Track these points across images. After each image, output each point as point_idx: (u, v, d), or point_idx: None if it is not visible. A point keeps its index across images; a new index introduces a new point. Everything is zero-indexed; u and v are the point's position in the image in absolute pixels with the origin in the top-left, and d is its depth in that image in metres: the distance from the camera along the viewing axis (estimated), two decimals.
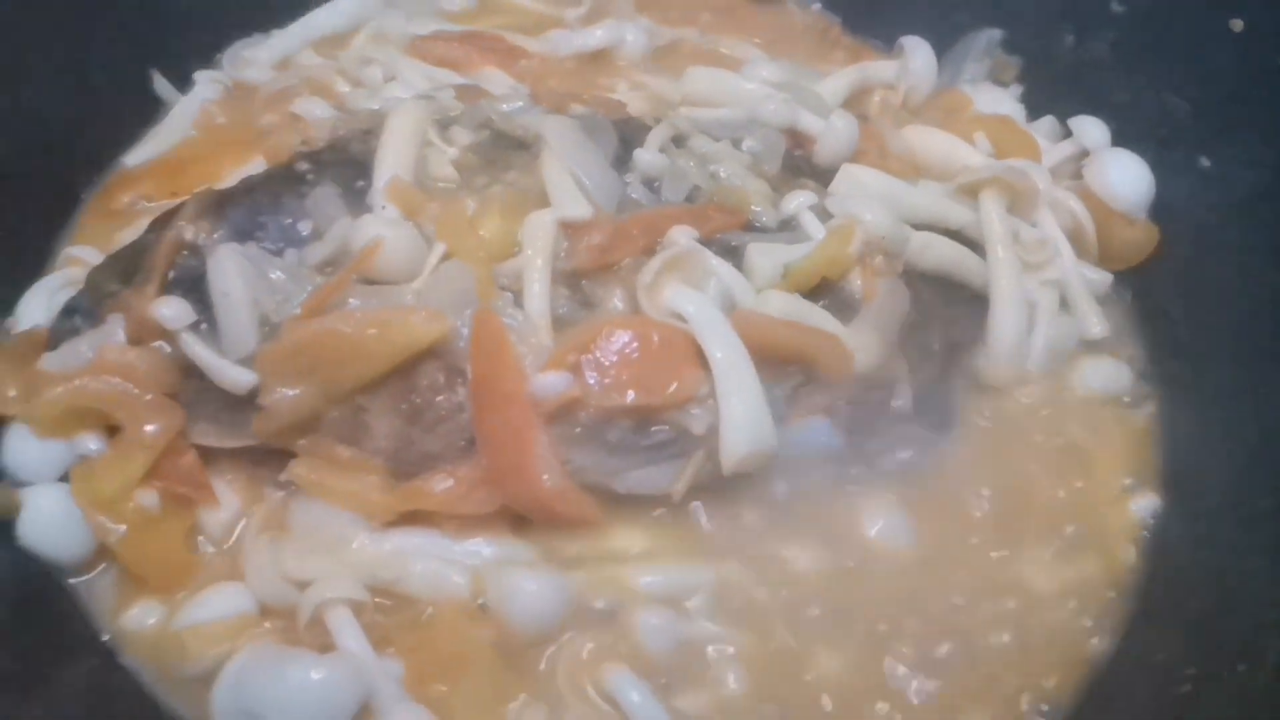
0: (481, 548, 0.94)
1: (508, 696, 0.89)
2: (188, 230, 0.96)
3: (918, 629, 0.99)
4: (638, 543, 0.99)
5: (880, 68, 1.42)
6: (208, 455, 0.96)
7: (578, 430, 0.94)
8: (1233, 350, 1.16)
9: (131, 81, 1.28)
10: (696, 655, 0.94)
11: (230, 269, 0.92)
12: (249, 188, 1.01)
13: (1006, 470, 1.11)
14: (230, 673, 0.85)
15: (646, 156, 1.11)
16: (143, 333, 0.92)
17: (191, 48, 1.34)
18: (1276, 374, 1.10)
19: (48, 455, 0.92)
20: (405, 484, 0.94)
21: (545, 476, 0.92)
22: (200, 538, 0.96)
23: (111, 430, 0.93)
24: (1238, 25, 1.18)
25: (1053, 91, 1.40)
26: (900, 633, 0.98)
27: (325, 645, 0.87)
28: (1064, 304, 1.21)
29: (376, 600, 0.91)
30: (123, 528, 0.89)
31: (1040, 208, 1.23)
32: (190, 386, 0.94)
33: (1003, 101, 1.39)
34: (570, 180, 1.04)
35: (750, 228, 1.11)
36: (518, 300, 0.97)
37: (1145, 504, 1.11)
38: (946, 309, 1.16)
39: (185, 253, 0.96)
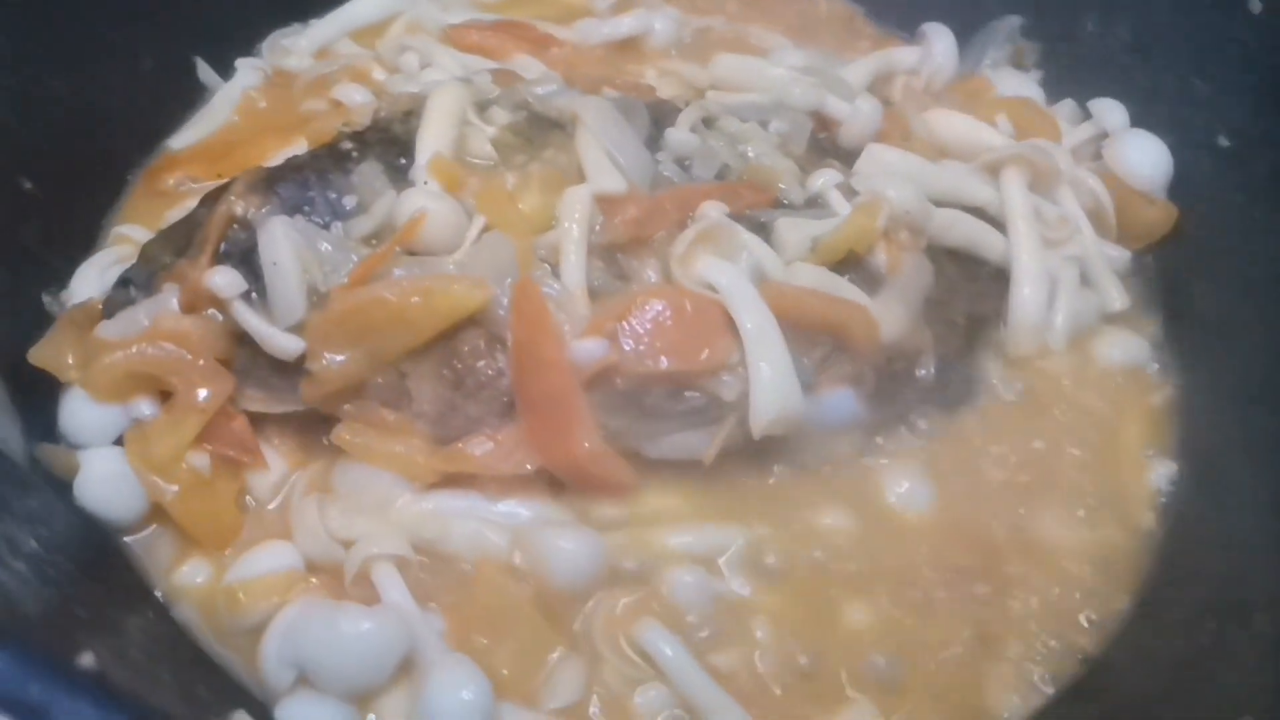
0: (519, 509, 0.98)
1: (546, 649, 0.92)
2: (238, 205, 1.00)
3: (943, 588, 1.01)
4: (670, 506, 1.02)
5: (903, 54, 1.45)
6: (256, 420, 1.00)
7: (614, 395, 0.97)
8: (1249, 324, 1.18)
9: (176, 69, 1.32)
10: (727, 612, 0.97)
11: (280, 240, 0.95)
12: (296, 166, 1.05)
13: (1028, 438, 1.14)
14: (280, 624, 0.88)
15: (678, 135, 1.15)
16: (196, 302, 0.96)
17: (233, 37, 1.38)
18: None
19: (104, 419, 0.96)
20: (447, 447, 0.97)
21: (584, 439, 0.95)
22: (249, 499, 1.00)
23: (164, 396, 0.97)
24: (1256, 6, 1.20)
25: (1072, 76, 1.43)
26: (925, 591, 1.01)
27: (370, 600, 0.90)
28: (1084, 280, 1.24)
29: (419, 558, 0.94)
30: (175, 488, 0.93)
31: (1061, 186, 1.26)
32: (241, 354, 0.97)
33: (1023, 86, 1.42)
34: (605, 157, 1.07)
35: (778, 205, 1.14)
36: (555, 272, 1.00)
37: (1164, 471, 1.13)
38: (969, 284, 1.19)
39: (235, 226, 0.99)
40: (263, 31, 1.40)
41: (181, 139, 1.29)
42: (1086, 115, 1.38)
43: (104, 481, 0.93)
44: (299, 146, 1.22)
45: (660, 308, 0.98)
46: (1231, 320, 1.21)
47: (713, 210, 1.06)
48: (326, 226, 1.00)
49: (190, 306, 0.96)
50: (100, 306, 1.01)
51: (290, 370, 0.97)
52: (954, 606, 1.01)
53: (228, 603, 0.91)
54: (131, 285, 1.00)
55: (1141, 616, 1.02)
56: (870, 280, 1.10)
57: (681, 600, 0.96)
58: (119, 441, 0.96)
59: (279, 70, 1.37)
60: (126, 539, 0.96)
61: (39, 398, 0.96)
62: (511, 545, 0.96)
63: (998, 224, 1.21)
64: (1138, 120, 1.33)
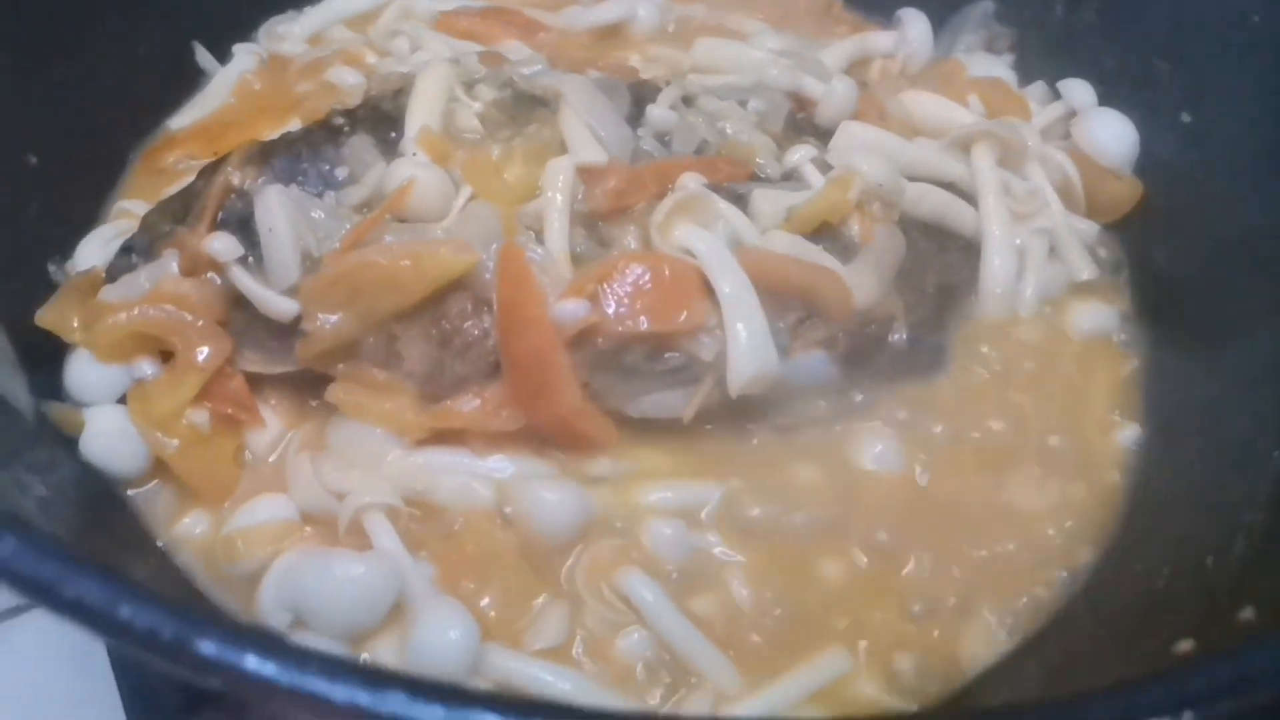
0: (505, 464, 1.02)
1: (531, 594, 0.96)
2: (235, 175, 1.04)
3: (913, 543, 1.05)
4: (651, 463, 1.06)
5: (879, 38, 1.50)
6: (253, 381, 1.04)
7: (595, 355, 1.01)
8: (1212, 293, 1.23)
9: (175, 53, 1.36)
10: (706, 562, 1.01)
11: (275, 206, 0.99)
12: (290, 140, 1.09)
13: (997, 403, 1.17)
14: (277, 570, 0.92)
15: (658, 112, 1.19)
16: (195, 266, 1.00)
17: (230, 23, 1.42)
18: (1252, 313, 1.17)
19: (107, 378, 1.00)
20: (435, 405, 1.01)
21: (566, 395, 0.99)
22: (247, 455, 1.04)
23: (165, 357, 1.01)
24: None
25: (1043, 59, 1.47)
26: (896, 546, 1.05)
27: (363, 548, 0.94)
28: (1053, 252, 1.29)
29: (409, 509, 0.98)
30: (175, 442, 0.97)
31: (1030, 162, 1.31)
32: (238, 316, 1.02)
33: (995, 68, 1.46)
34: (587, 131, 1.12)
35: (755, 178, 1.18)
36: (539, 239, 1.05)
37: (1129, 433, 1.17)
38: (940, 255, 1.23)
39: (233, 196, 1.04)
40: (259, 18, 1.45)
41: (180, 120, 1.33)
42: (1056, 97, 1.42)
43: (108, 437, 0.97)
44: (293, 126, 1.27)
45: (640, 271, 1.02)
46: (1195, 290, 1.25)
47: (691, 181, 1.11)
48: (320, 195, 1.04)
49: (190, 271, 1.00)
50: (103, 274, 1.06)
51: (285, 332, 1.01)
52: (926, 563, 1.05)
53: (226, 550, 0.95)
54: (133, 252, 1.04)
55: (1103, 568, 1.06)
56: (844, 250, 1.14)
57: (661, 551, 0.99)
58: (122, 401, 1.01)
59: (274, 55, 1.41)
60: (130, 492, 1.00)
61: (45, 358, 1.00)
62: (498, 497, 1.00)
63: (969, 199, 1.26)
64: (1105, 100, 1.38)
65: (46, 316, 1.00)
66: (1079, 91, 1.39)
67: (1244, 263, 1.20)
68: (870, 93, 1.40)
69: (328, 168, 1.07)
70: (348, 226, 1.02)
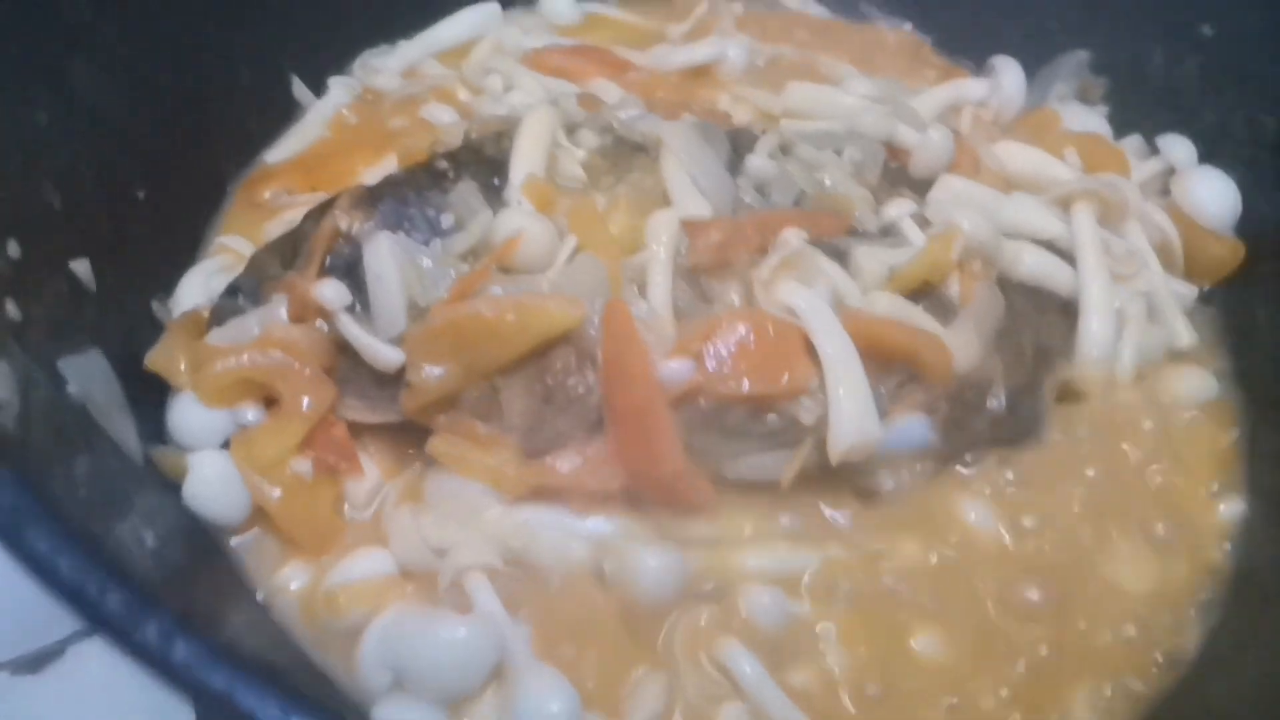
0: (603, 524, 1.01)
1: (630, 662, 0.95)
2: (342, 220, 1.04)
3: (1012, 620, 1.03)
4: (747, 527, 1.05)
5: (972, 86, 1.48)
6: (353, 429, 1.04)
7: (696, 415, 1.01)
8: None
9: (273, 85, 1.37)
10: (803, 633, 0.99)
11: (384, 255, 0.99)
12: (395, 183, 1.09)
13: (1095, 472, 1.15)
14: (378, 628, 0.92)
15: (757, 161, 1.18)
16: (303, 312, 1.00)
17: (326, 56, 1.43)
18: None
19: (212, 423, 1.00)
20: (536, 461, 1.00)
21: (669, 456, 0.98)
22: (346, 506, 1.04)
23: (269, 402, 1.02)
24: None
25: (1139, 111, 1.45)
26: (993, 624, 1.03)
27: (462, 607, 0.94)
28: (1152, 315, 1.26)
29: (508, 568, 0.98)
30: (278, 491, 0.97)
31: (1129, 221, 1.28)
32: (343, 363, 1.02)
33: (1090, 120, 1.44)
34: (689, 182, 1.11)
35: (854, 232, 1.17)
36: (642, 293, 1.04)
37: (1232, 508, 1.14)
38: (1038, 315, 1.21)
39: (340, 240, 1.04)
40: (354, 51, 1.46)
41: (277, 152, 1.34)
42: (1153, 150, 1.40)
43: (212, 482, 0.97)
44: (389, 162, 1.27)
45: (743, 330, 1.01)
46: None
47: (793, 236, 1.09)
48: (426, 243, 1.04)
49: (298, 317, 1.00)
50: (206, 314, 1.06)
51: (389, 381, 1.01)
52: (1022, 640, 1.03)
53: (326, 605, 0.94)
54: (240, 294, 1.04)
55: (1209, 658, 1.03)
56: (943, 309, 1.13)
57: (759, 619, 0.98)
58: (225, 445, 1.01)
59: (369, 88, 1.42)
60: (231, 541, 1.00)
61: (150, 401, 1.01)
62: (596, 558, 0.99)
63: (1066, 257, 1.24)
64: (1206, 157, 1.36)
65: (156, 359, 1.01)
66: (1179, 148, 1.37)
67: None
68: (964, 141, 1.38)
69: (434, 214, 1.06)
70: (453, 275, 1.02)
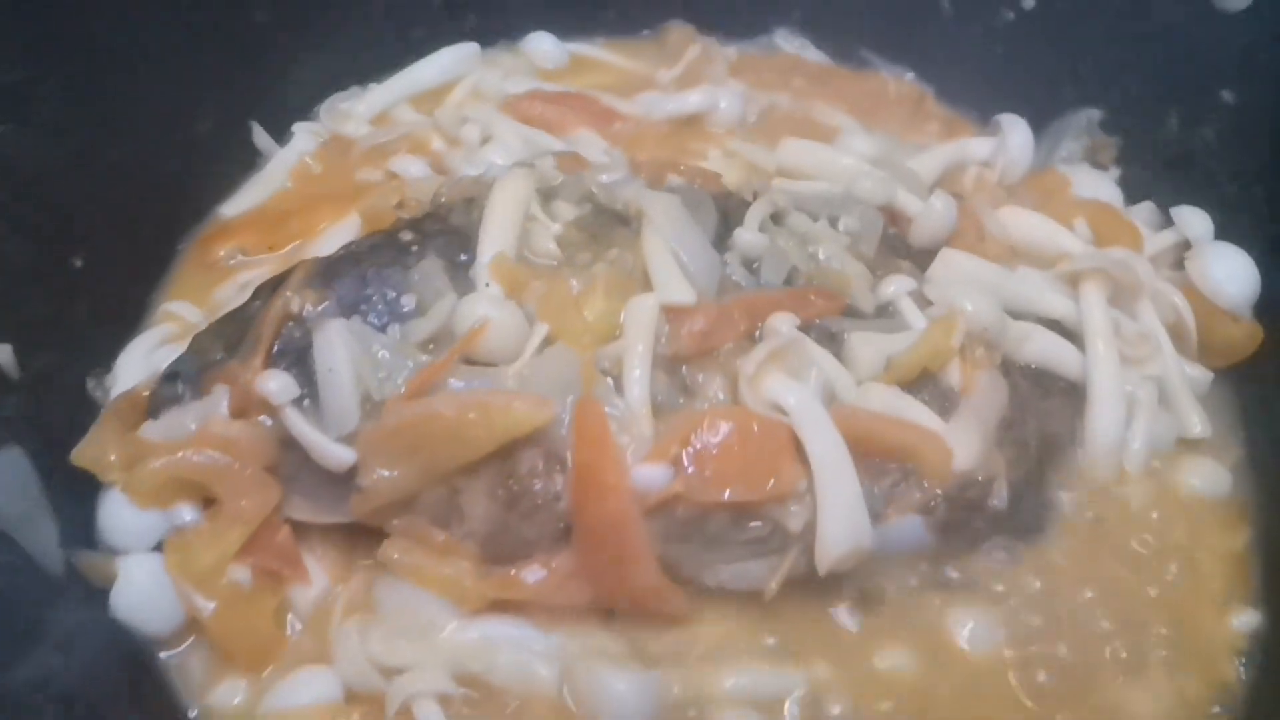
0: (569, 640, 0.93)
1: None
2: (294, 301, 0.96)
3: None
4: (727, 639, 0.98)
5: (976, 145, 1.40)
6: (300, 530, 0.96)
7: (674, 522, 0.93)
8: None
9: (231, 133, 1.29)
10: None
11: (337, 345, 0.91)
12: (355, 258, 1.01)
13: (1101, 573, 1.08)
14: None
15: (747, 236, 1.10)
16: (246, 406, 0.92)
17: (291, 100, 1.34)
18: None
19: (144, 524, 0.92)
20: (498, 572, 0.92)
21: (642, 572, 0.90)
22: (290, 615, 0.95)
23: (208, 501, 0.93)
24: None
25: (1153, 176, 1.37)
26: None
27: None
28: (1163, 401, 1.19)
29: (463, 691, 0.90)
30: (213, 604, 0.89)
31: (1141, 300, 1.21)
32: (289, 461, 0.93)
33: (1101, 184, 1.36)
34: (673, 261, 1.03)
35: (849, 313, 1.09)
36: (617, 385, 0.96)
37: (1245, 619, 1.07)
38: (1042, 401, 1.13)
39: (290, 324, 0.96)
40: (321, 94, 1.37)
41: (234, 205, 1.25)
42: (1167, 219, 1.32)
43: (141, 591, 0.90)
44: (352, 221, 1.19)
45: (727, 431, 0.93)
46: None
47: (782, 324, 1.02)
48: (384, 328, 0.96)
49: (240, 411, 0.92)
50: (145, 396, 0.98)
51: (339, 480, 0.93)
52: None
53: None
54: (179, 381, 0.96)
55: None
56: (943, 399, 1.05)
57: None
58: (159, 547, 0.92)
59: (336, 135, 1.33)
60: (162, 655, 0.92)
61: (78, 494, 0.92)
62: (561, 679, 0.91)
63: (1074, 336, 1.16)
64: (1223, 231, 1.28)
65: (84, 454, 0.92)
66: (1195, 221, 1.28)
67: None
68: (967, 206, 1.30)
69: (393, 295, 0.98)
70: (412, 367, 0.93)
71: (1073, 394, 1.15)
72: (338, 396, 0.91)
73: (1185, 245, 1.29)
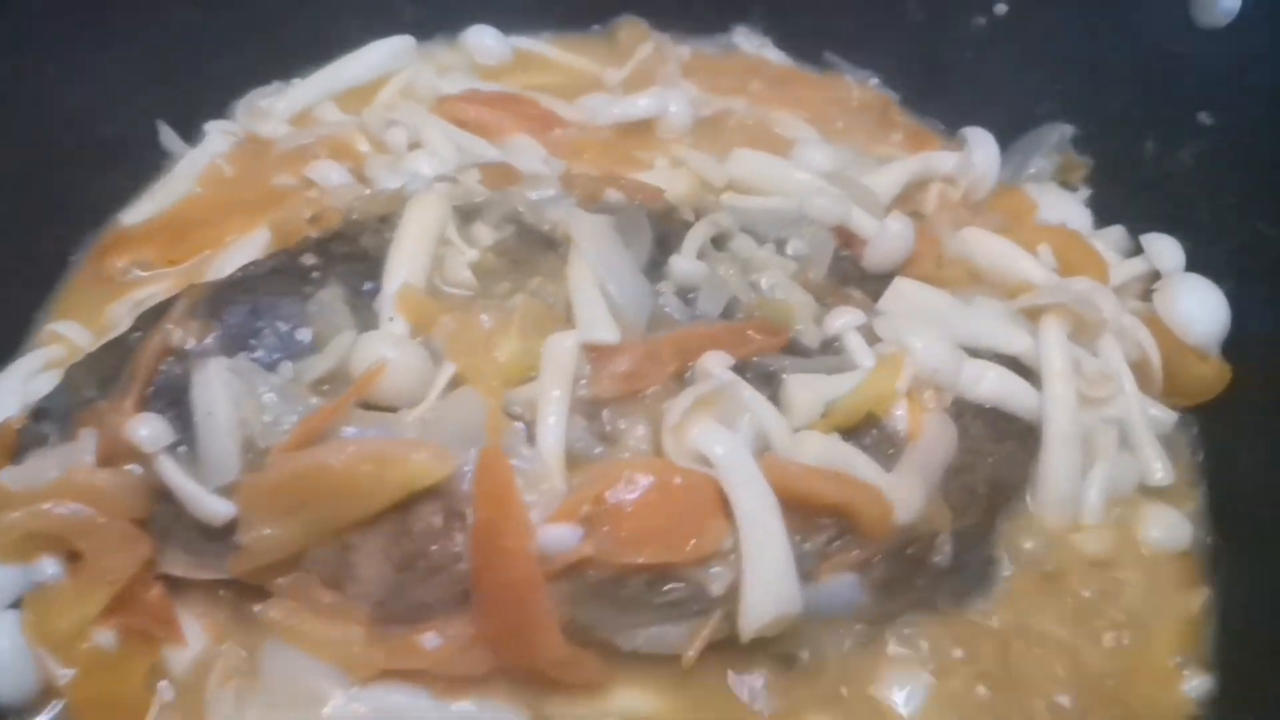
0: (471, 711, 0.86)
1: None
2: (175, 334, 0.88)
3: None
4: (644, 706, 0.91)
5: (939, 160, 1.31)
6: (179, 585, 0.88)
7: (585, 585, 0.86)
8: None
9: (134, 134, 1.19)
10: None
11: (216, 386, 0.83)
12: (247, 285, 0.93)
13: (1049, 633, 1.02)
14: None
15: (683, 265, 1.02)
16: (116, 451, 0.84)
17: (204, 96, 1.25)
18: None
19: (1, 580, 0.84)
20: (391, 638, 0.85)
21: (546, 643, 0.83)
22: (163, 682, 0.87)
23: (73, 555, 0.85)
24: None
25: (1125, 200, 1.30)
26: None
27: None
28: (1124, 442, 1.12)
29: None
30: (73, 671, 0.81)
31: (1105, 335, 1.14)
32: (163, 511, 0.85)
33: (1069, 207, 1.29)
34: (598, 295, 0.95)
35: (791, 349, 1.01)
36: (530, 430, 0.89)
37: (1197, 684, 1.01)
38: (995, 444, 1.06)
39: (171, 359, 0.87)
40: (238, 90, 1.27)
41: (136, 212, 1.16)
42: (1138, 245, 1.25)
43: None
44: (261, 235, 1.10)
45: (644, 488, 0.86)
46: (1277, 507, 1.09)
47: (714, 365, 0.94)
48: (274, 366, 0.88)
49: (109, 457, 0.84)
50: (16, 429, 0.89)
51: (219, 533, 0.85)
52: None
53: None
54: (47, 419, 0.88)
55: None
56: (887, 444, 0.98)
57: None
58: (18, 603, 0.84)
59: (252, 136, 1.24)
60: None
61: None
62: None
63: (1032, 374, 1.09)
64: (1196, 261, 1.21)
65: None
66: (1165, 250, 1.21)
67: None
68: (927, 227, 1.22)
69: (288, 328, 0.90)
70: (302, 410, 0.85)
71: (1029, 436, 1.08)
72: (216, 443, 0.83)
73: (1155, 275, 1.22)
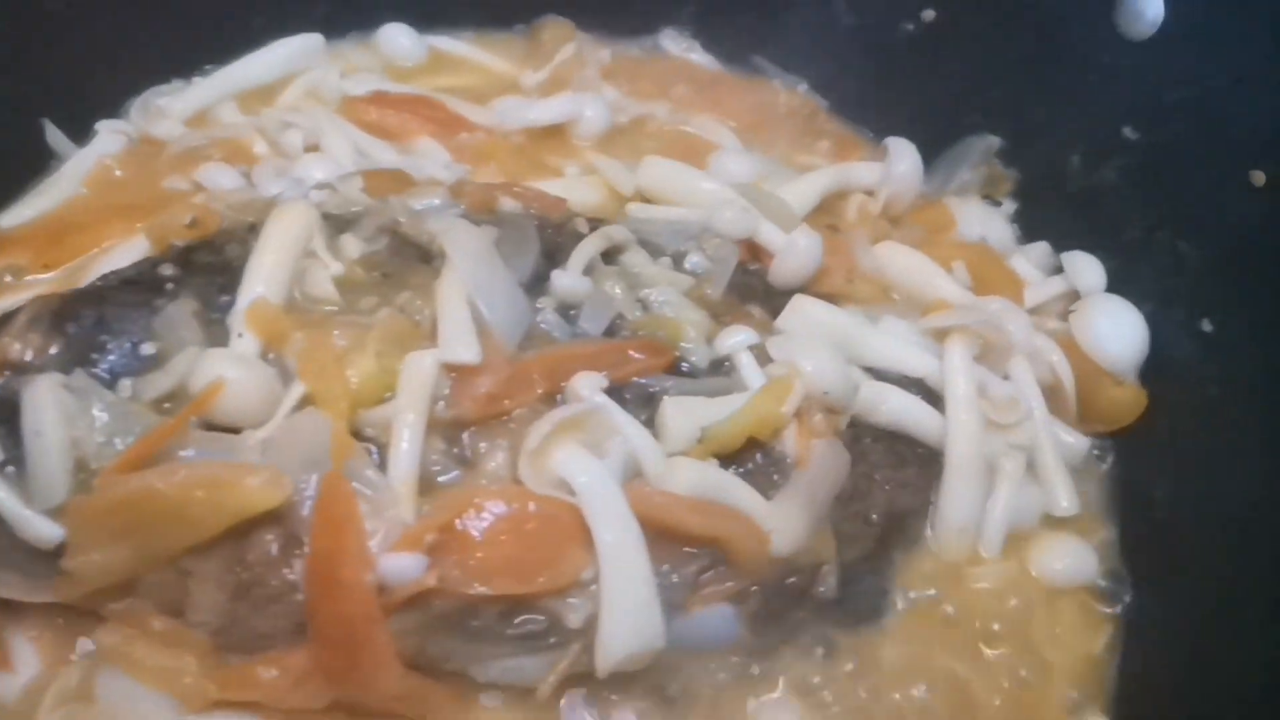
0: None
1: None
2: (14, 345, 0.84)
3: None
4: None
5: (860, 170, 1.27)
6: (13, 607, 0.85)
7: (431, 617, 0.82)
8: (1209, 545, 1.03)
9: (18, 130, 1.15)
10: None
11: (46, 404, 0.80)
12: (97, 296, 0.89)
13: (939, 670, 0.98)
14: None
15: (565, 281, 0.98)
16: None
17: (97, 94, 1.20)
18: (1256, 587, 0.96)
19: None
20: (227, 668, 0.82)
21: (381, 679, 0.79)
22: None
23: None
24: (1259, 178, 1.03)
25: (1051, 215, 1.25)
26: None
27: None
28: (1031, 470, 1.08)
29: None
30: None
31: (1016, 357, 1.10)
32: None
33: (991, 222, 1.24)
34: (466, 311, 0.91)
35: (676, 369, 0.98)
36: (383, 454, 0.85)
37: None
38: (895, 470, 1.03)
39: (8, 374, 0.84)
40: (136, 88, 1.23)
41: (13, 215, 1.12)
42: (1059, 264, 1.21)
43: None
44: (141, 242, 1.06)
45: (495, 516, 0.82)
46: (1192, 538, 1.05)
47: (585, 386, 0.90)
48: (114, 382, 0.84)
49: None
50: None
51: (50, 556, 0.81)
52: None
53: None
54: None
55: None
56: (774, 469, 0.94)
57: None
58: None
59: (146, 137, 1.20)
60: None
61: None
62: None
63: (938, 398, 1.05)
64: (1118, 281, 1.16)
65: None
66: (1085, 269, 1.17)
67: (1253, 516, 0.99)
68: (841, 240, 1.18)
69: (132, 343, 0.86)
70: (140, 430, 0.82)
71: (933, 462, 1.04)
72: (44, 464, 0.79)
73: (1077, 295, 1.18)
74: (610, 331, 0.98)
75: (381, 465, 0.84)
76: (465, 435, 0.88)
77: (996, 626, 1.02)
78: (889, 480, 1.02)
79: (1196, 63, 1.08)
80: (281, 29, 1.30)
